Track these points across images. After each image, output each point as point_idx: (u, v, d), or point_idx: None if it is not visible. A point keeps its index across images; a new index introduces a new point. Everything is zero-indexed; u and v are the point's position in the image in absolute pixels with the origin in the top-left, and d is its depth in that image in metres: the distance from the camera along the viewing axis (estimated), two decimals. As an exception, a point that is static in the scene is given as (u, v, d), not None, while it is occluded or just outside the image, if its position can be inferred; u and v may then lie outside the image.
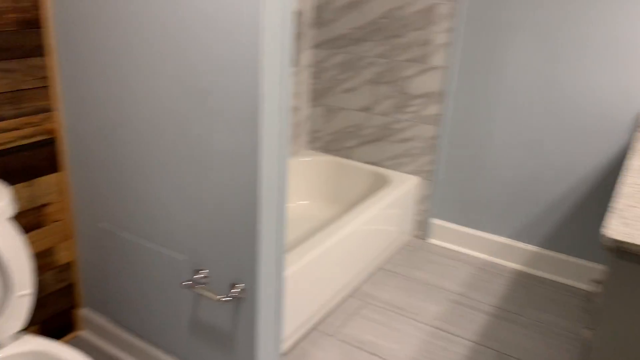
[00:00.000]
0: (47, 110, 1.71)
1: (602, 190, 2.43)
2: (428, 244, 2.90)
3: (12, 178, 1.66)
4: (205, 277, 1.57)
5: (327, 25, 2.86)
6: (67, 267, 1.92)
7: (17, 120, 1.63)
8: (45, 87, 1.68)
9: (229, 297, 1.48)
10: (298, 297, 1.99)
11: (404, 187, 2.70)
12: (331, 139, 3.05)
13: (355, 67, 2.84)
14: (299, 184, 3.02)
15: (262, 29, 1.24)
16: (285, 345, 2.00)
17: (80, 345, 1.97)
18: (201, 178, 1.47)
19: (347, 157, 3.03)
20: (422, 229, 2.93)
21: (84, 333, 2.01)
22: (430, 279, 2.55)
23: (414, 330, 2.17)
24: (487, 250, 2.78)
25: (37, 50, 1.63)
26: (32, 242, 1.77)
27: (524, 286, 2.54)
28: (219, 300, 1.47)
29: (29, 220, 1.74)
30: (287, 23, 1.32)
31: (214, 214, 1.48)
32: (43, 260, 1.83)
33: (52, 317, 1.92)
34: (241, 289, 1.50)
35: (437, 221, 2.88)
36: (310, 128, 3.10)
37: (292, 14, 1.32)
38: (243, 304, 1.52)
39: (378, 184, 2.85)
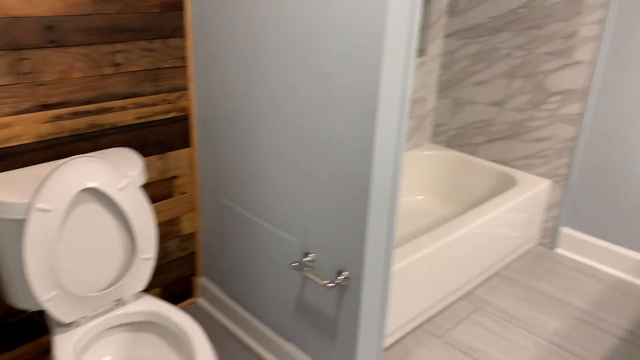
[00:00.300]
0: (182, 88, 1.82)
1: None
2: (555, 253, 2.67)
3: (147, 150, 1.79)
4: (312, 260, 1.58)
5: (461, 14, 2.73)
6: (190, 237, 2.05)
7: (155, 96, 1.75)
8: (182, 66, 1.79)
9: (334, 283, 1.47)
10: (406, 294, 1.94)
11: (533, 190, 2.50)
12: (456, 133, 2.92)
13: (489, 58, 2.68)
14: (417, 177, 2.94)
15: (389, 14, 1.20)
16: (389, 340, 1.96)
17: (195, 311, 2.09)
18: (316, 163, 1.47)
19: (472, 153, 2.88)
20: (549, 237, 2.70)
21: (200, 300, 2.14)
22: (554, 291, 2.35)
23: (529, 343, 2.01)
24: (623, 267, 2.49)
25: (177, 31, 1.74)
26: (160, 211, 1.91)
27: (666, 313, 2.24)
28: (324, 285, 1.47)
29: (158, 190, 1.88)
30: (416, 9, 1.26)
31: (326, 199, 1.48)
32: (169, 229, 1.96)
33: (173, 282, 2.06)
34: (346, 277, 1.49)
35: (567, 230, 2.64)
36: (435, 121, 3.00)
37: (423, 1, 1.26)
38: (347, 292, 1.51)
39: (504, 185, 2.68)
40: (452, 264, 2.13)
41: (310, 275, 1.53)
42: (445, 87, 2.89)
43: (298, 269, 1.57)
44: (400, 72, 1.30)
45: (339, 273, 1.50)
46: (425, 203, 2.92)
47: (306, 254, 1.59)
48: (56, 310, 1.33)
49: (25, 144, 1.50)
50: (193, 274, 2.12)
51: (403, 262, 1.85)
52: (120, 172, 1.37)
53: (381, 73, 1.25)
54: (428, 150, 2.92)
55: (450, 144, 2.97)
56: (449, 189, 2.91)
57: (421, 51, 2.73)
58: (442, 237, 2.03)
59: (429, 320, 2.12)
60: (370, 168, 1.33)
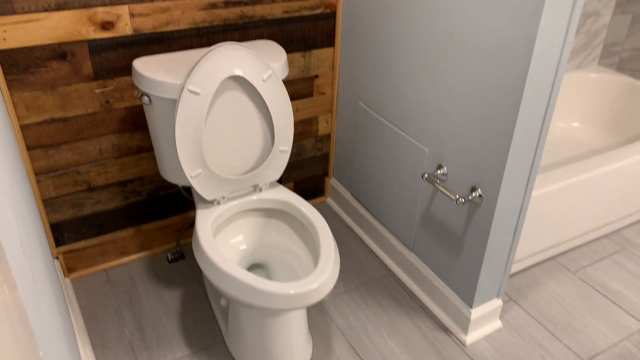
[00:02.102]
0: (331, -17, 1.77)
1: None
2: None
3: (291, 46, 1.80)
4: (444, 174, 1.52)
5: None
6: (325, 138, 2.08)
7: (303, -10, 1.73)
8: (333, -40, 1.73)
9: (466, 200, 1.41)
10: (543, 222, 1.82)
11: None
12: (631, 55, 2.54)
13: (690, -33, 2.24)
14: (575, 102, 2.65)
15: None
16: (516, 267, 1.88)
17: (324, 210, 2.17)
18: (463, 71, 1.37)
19: (647, 80, 2.51)
20: None
21: (329, 200, 2.20)
22: None
23: (678, 296, 1.81)
24: None
25: None
26: (299, 109, 1.95)
27: None
28: (455, 200, 1.42)
29: (299, 88, 1.90)
30: None
31: (468, 111, 1.39)
32: (306, 127, 2.00)
33: (305, 179, 2.13)
34: (479, 195, 1.42)
35: None
36: (607, 40, 2.63)
37: None
38: (479, 211, 1.44)
39: (680, 119, 2.32)
40: (600, 199, 1.94)
41: (441, 189, 1.48)
42: (625, 0, 2.50)
43: (429, 180, 1.52)
44: (577, -31, 1.12)
45: (473, 190, 1.44)
46: (580, 131, 2.65)
47: (439, 166, 1.54)
48: (200, 187, 1.44)
49: (181, 29, 1.58)
50: (325, 174, 2.17)
51: (545, 189, 1.72)
52: (265, 63, 1.39)
53: (554, -31, 1.09)
54: (593, 73, 2.59)
55: (621, 67, 2.60)
56: (610, 119, 2.60)
57: (604, -45, 2.35)
58: (593, 168, 1.84)
59: (564, 253, 1.99)
60: (524, 81, 1.21)
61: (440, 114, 1.49)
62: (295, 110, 1.94)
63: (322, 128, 2.04)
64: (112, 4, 1.45)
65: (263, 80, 1.40)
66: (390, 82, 1.66)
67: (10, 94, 1.43)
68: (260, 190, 1.56)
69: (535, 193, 1.70)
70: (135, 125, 1.64)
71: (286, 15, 1.73)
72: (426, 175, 1.53)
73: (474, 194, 1.42)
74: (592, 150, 2.51)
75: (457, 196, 1.42)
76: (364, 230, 2.00)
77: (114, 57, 1.52)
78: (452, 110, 1.44)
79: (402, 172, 1.72)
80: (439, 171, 1.53)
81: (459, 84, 1.39)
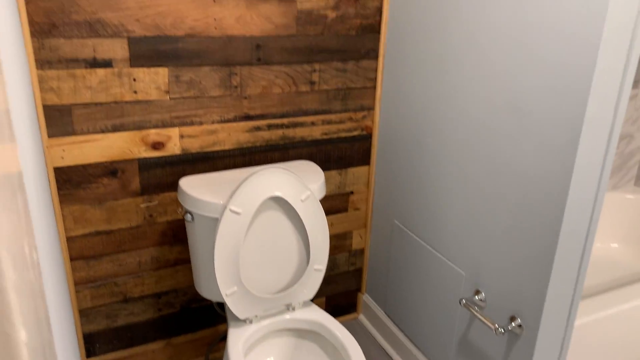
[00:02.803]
0: (368, 108, 1.86)
1: None
2: None
3: (328, 164, 1.86)
4: (482, 300, 1.49)
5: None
6: (359, 253, 2.08)
7: (342, 114, 1.82)
8: (371, 87, 1.83)
9: (505, 330, 1.36)
10: (588, 355, 1.72)
11: None
12: (668, 177, 2.53)
13: None
14: (613, 223, 2.61)
15: (602, 48, 1.08)
16: (560, 400, 1.76)
17: (356, 327, 2.12)
18: (500, 195, 1.38)
19: (686, 203, 2.47)
20: None
21: (361, 317, 2.16)
22: None
23: None
24: None
25: (371, 53, 1.78)
26: (334, 224, 1.97)
27: None
28: (495, 329, 1.37)
29: (334, 204, 1.94)
30: (637, 40, 1.12)
31: (506, 235, 1.38)
32: (340, 242, 2.02)
33: (338, 294, 2.11)
34: (519, 325, 1.37)
35: None
36: (642, 161, 2.64)
37: (645, 26, 1.11)
38: (519, 342, 1.39)
39: None
40: (648, 329, 1.84)
41: (479, 316, 1.44)
42: (659, 124, 2.53)
43: (466, 306, 1.49)
44: (609, 107, 1.16)
45: (512, 319, 1.39)
46: (619, 253, 2.58)
47: (477, 292, 1.51)
48: (234, 305, 1.44)
49: (226, 149, 1.66)
50: (358, 289, 2.15)
51: (587, 318, 1.65)
52: (303, 184, 1.44)
53: (586, 108, 1.13)
54: (630, 194, 2.58)
55: (658, 188, 2.58)
56: (651, 240, 2.53)
57: (635, 82, 2.43)
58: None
59: (611, 387, 1.86)
60: (564, 207, 1.21)
61: (477, 237, 1.49)
62: (330, 225, 1.96)
63: (355, 243, 2.05)
64: (164, 126, 1.55)
65: (301, 201, 1.44)
66: (426, 202, 1.69)
67: (61, 208, 1.50)
68: (293, 309, 1.54)
69: (578, 322, 1.63)
70: (175, 238, 1.69)
71: (325, 137, 1.81)
72: (464, 301, 1.49)
73: (513, 323, 1.38)
74: (633, 273, 2.43)
75: (496, 325, 1.37)
76: (397, 352, 1.93)
77: (161, 174, 1.59)
78: (490, 234, 1.44)
79: (438, 294, 1.69)
80: (476, 297, 1.50)
81: (496, 208, 1.40)
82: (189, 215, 1.44)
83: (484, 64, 1.38)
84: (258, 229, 1.43)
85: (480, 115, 1.41)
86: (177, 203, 1.65)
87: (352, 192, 1.96)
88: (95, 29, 1.38)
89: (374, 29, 1.76)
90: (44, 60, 1.36)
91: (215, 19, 1.51)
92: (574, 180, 1.19)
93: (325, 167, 1.86)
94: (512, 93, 1.31)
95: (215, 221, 1.42)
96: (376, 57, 1.80)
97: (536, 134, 1.25)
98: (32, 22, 1.32)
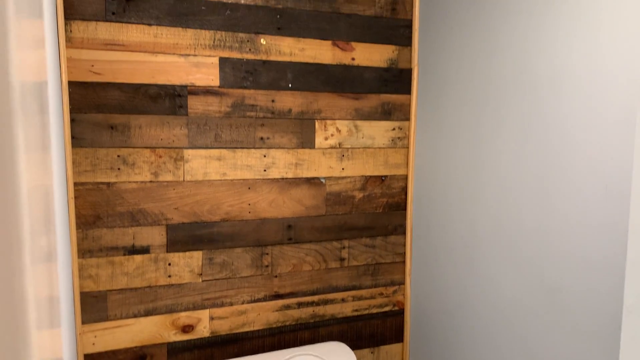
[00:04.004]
0: (398, 283, 1.85)
1: None
2: None
3: (360, 342, 1.81)
4: None
5: None
6: None
7: (372, 290, 1.81)
8: (400, 262, 1.85)
9: None
10: None
11: None
12: None
13: None
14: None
15: (635, 196, 1.09)
16: None
17: None
18: (544, 385, 1.30)
19: None
20: None
21: None
22: None
23: None
24: None
25: (398, 229, 1.83)
26: (368, 407, 1.85)
27: None
28: None
29: (368, 384, 1.84)
30: None
31: None
32: None
33: None
34: None
35: None
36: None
37: (671, 214, 1.13)
38: None
39: None
40: None
41: None
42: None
43: None
44: (649, 295, 1.14)
45: None
46: None
47: None
48: None
49: (255, 330, 1.64)
50: None
51: None
52: (335, 371, 1.39)
53: (624, 294, 1.11)
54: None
55: None
56: None
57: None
58: None
59: None
60: (615, 406, 1.13)
61: None
62: (363, 409, 1.84)
63: None
64: (195, 308, 1.55)
65: (333, 389, 1.38)
66: (465, 387, 1.59)
67: (86, 397, 1.46)
68: None
69: None
70: None
71: (356, 313, 1.79)
72: None
73: None
74: None
75: None
76: None
77: (189, 358, 1.56)
78: None
79: None
80: None
81: (541, 401, 1.31)
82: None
83: (511, 242, 1.39)
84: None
85: (509, 292, 1.39)
86: (204, 388, 1.59)
87: (385, 370, 1.87)
88: (136, 218, 1.47)
89: (400, 207, 1.82)
90: (86, 250, 1.43)
91: (249, 204, 1.60)
92: (623, 372, 1.12)
93: (356, 345, 1.81)
94: (542, 271, 1.30)
95: (244, 413, 1.35)
96: (404, 232, 1.84)
97: (570, 319, 1.21)
98: (78, 215, 1.41)
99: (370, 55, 1.72)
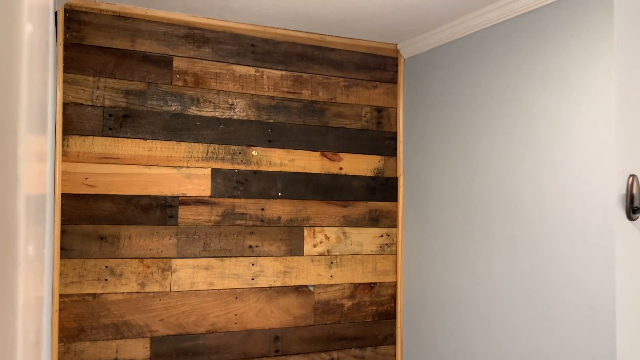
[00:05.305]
0: (389, 395, 1.79)
1: None
2: None
3: None
4: None
5: None
6: None
7: (362, 403, 1.74)
8: (390, 372, 1.80)
9: None
10: None
11: None
12: None
13: None
14: None
15: (620, 312, 1.09)
16: None
17: None
18: None
19: None
20: None
21: None
22: None
23: None
24: None
25: (388, 339, 1.79)
26: None
27: None
28: None
29: None
30: None
31: None
32: None
33: None
34: None
35: None
36: None
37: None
38: None
39: None
40: None
41: None
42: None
43: None
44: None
45: None
46: None
47: None
48: None
49: None
50: None
51: None
52: None
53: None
54: None
55: None
56: None
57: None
58: None
59: None
60: None
61: None
62: None
63: None
64: None
65: None
66: None
67: None
68: None
69: None
70: None
71: None
72: None
73: None
74: None
75: None
76: None
77: None
78: None
79: None
80: None
81: None
82: None
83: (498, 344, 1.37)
84: None
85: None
86: None
87: None
88: (120, 331, 1.44)
89: (390, 315, 1.80)
90: (66, 364, 1.38)
91: (236, 314, 1.57)
92: None
93: None
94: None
95: None
96: (394, 342, 1.80)
97: None
98: (62, 328, 1.38)
99: (357, 164, 1.78)
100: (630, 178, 1.15)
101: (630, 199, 1.15)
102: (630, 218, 1.15)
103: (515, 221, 1.36)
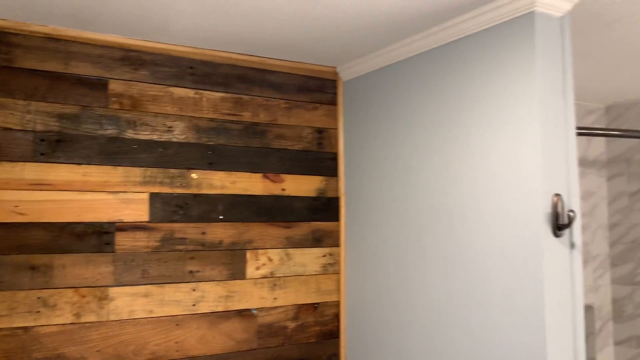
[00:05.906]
0: (334, 415, 1.79)
1: None
2: None
3: None
4: None
5: (630, 320, 2.51)
6: None
7: None
8: (335, 392, 1.80)
9: None
10: None
11: None
12: None
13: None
14: None
15: (549, 327, 1.14)
16: None
17: None
18: None
19: None
20: None
21: None
22: None
23: None
24: None
25: (332, 358, 1.80)
26: None
27: None
28: None
29: None
30: (578, 321, 1.20)
31: None
32: None
33: None
34: None
35: None
36: None
37: (584, 309, 1.20)
38: None
39: None
40: None
41: None
42: (628, 400, 2.50)
43: None
44: None
45: None
46: None
47: None
48: None
49: None
50: None
51: None
52: None
53: None
54: None
55: None
56: None
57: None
58: None
59: None
60: None
61: None
62: None
63: None
64: None
65: None
66: None
67: None
68: None
69: None
70: None
71: None
72: None
73: None
74: None
75: None
76: None
77: None
78: None
79: None
80: None
81: None
82: None
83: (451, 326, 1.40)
84: None
85: None
86: None
87: None
88: (54, 365, 1.38)
89: (334, 335, 1.81)
90: (-6, 404, 1.31)
91: (177, 342, 1.54)
92: None
93: None
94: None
95: None
96: (338, 361, 1.81)
97: None
98: (-11, 366, 1.31)
99: (299, 185, 1.79)
100: (555, 197, 1.22)
101: (555, 216, 1.22)
102: (555, 235, 1.22)
103: (450, 239, 1.41)
